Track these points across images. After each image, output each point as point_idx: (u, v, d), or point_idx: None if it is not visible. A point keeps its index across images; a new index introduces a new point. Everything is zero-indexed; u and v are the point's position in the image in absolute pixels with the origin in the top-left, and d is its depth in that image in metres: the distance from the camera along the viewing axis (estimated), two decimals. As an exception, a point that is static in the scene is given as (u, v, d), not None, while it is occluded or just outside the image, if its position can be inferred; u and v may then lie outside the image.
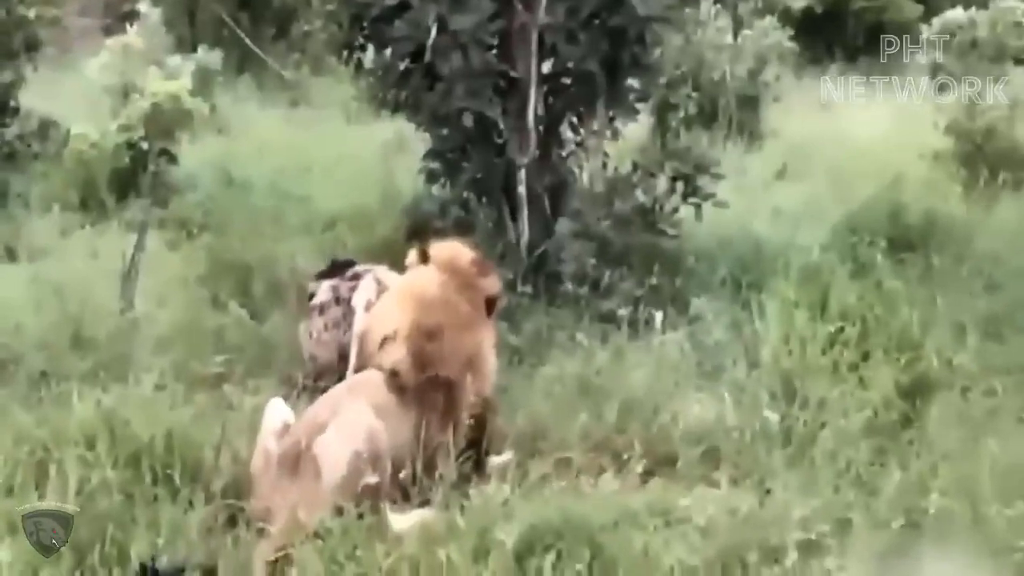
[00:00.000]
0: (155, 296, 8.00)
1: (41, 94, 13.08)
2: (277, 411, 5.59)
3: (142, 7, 12.78)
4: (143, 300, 7.74)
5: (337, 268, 7.13)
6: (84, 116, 11.97)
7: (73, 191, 10.95)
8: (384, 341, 5.73)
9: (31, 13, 12.55)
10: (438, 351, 5.67)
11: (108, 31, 17.43)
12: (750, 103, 13.94)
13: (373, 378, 5.71)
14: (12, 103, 12.13)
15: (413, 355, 5.66)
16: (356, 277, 6.90)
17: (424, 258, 5.96)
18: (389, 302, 5.97)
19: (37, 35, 12.80)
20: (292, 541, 5.02)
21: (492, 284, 6.02)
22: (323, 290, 6.98)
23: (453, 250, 6.00)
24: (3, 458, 5.38)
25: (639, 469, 5.78)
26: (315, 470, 5.19)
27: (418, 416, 5.55)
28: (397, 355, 5.66)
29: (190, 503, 5.19)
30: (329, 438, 5.25)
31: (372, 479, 5.21)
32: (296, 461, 5.25)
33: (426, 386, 5.64)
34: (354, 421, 5.32)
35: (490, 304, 5.98)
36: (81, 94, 13.50)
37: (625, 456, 5.87)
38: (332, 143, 13.10)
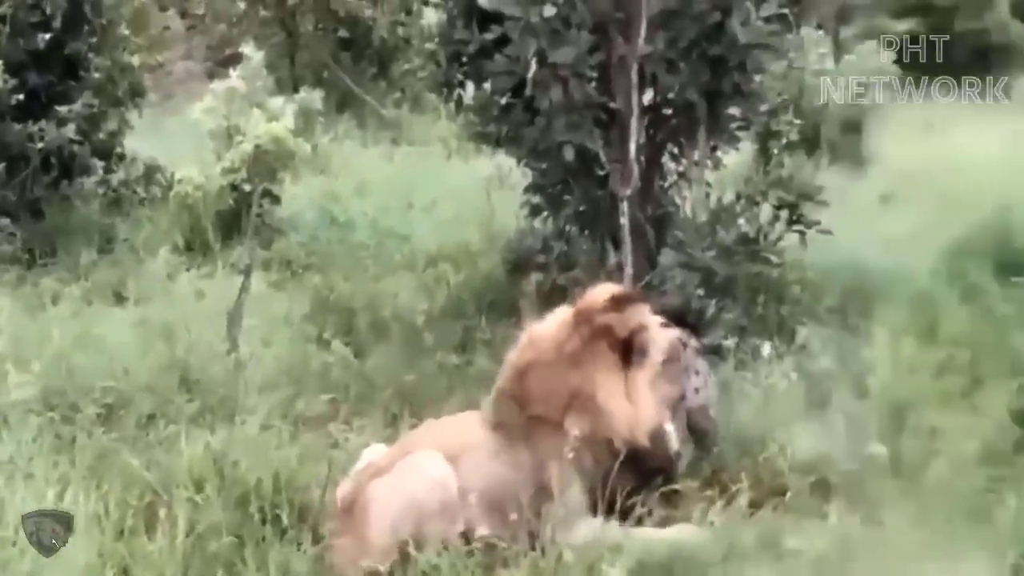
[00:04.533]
0: (260, 336, 8.02)
1: (146, 139, 13.31)
2: (369, 454, 5.60)
3: (246, 50, 12.89)
4: (248, 340, 7.74)
5: None
6: (189, 160, 12.11)
7: (179, 234, 11.07)
8: None
9: (135, 60, 12.77)
10: (523, 389, 5.48)
11: (211, 75, 17.72)
12: (853, 128, 13.78)
13: (471, 417, 5.67)
14: (118, 149, 12.33)
15: (497, 390, 5.57)
16: None
17: None
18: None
19: (141, 82, 13.03)
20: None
21: (623, 321, 5.48)
22: None
23: (597, 288, 5.67)
24: (113, 502, 5.38)
25: (745, 502, 5.61)
26: (365, 516, 5.14)
27: (527, 456, 5.40)
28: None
29: (298, 544, 5.17)
30: (383, 483, 5.21)
31: (444, 528, 5.12)
32: (352, 505, 5.22)
33: (529, 425, 5.46)
34: (415, 469, 5.23)
35: (628, 343, 5.50)
36: (185, 138, 13.67)
37: (733, 488, 5.69)
38: (433, 180, 13.14)
